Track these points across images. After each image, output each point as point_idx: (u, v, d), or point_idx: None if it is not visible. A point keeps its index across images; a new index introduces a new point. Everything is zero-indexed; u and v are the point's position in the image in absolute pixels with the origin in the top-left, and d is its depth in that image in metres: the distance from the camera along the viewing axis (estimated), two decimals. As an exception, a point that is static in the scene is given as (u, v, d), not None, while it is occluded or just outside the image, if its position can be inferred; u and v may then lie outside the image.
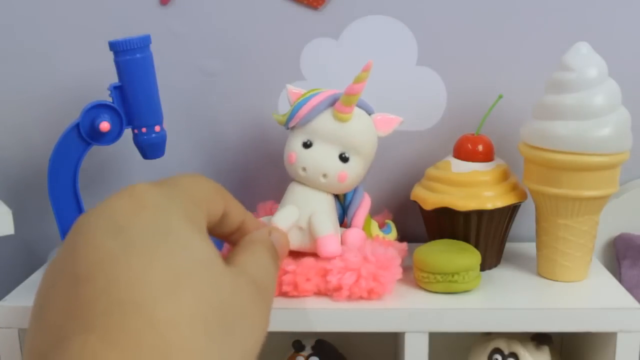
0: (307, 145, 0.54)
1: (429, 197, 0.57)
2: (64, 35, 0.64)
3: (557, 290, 0.55)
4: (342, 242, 0.54)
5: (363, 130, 0.54)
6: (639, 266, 0.63)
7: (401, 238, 0.59)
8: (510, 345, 0.56)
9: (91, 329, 0.23)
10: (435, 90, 0.65)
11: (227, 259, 0.33)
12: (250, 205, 0.64)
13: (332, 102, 0.53)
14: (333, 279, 0.51)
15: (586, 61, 0.52)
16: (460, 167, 0.58)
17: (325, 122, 0.53)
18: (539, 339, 0.56)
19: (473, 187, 0.56)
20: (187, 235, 0.28)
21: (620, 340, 0.51)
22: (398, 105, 0.63)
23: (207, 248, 0.28)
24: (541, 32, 0.63)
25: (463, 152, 0.59)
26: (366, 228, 0.56)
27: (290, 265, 0.52)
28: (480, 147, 0.58)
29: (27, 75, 0.65)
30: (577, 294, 0.54)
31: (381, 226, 0.59)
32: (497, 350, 0.56)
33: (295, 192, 0.54)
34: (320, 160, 0.53)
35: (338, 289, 0.51)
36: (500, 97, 0.59)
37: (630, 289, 0.57)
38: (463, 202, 0.56)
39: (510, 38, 0.63)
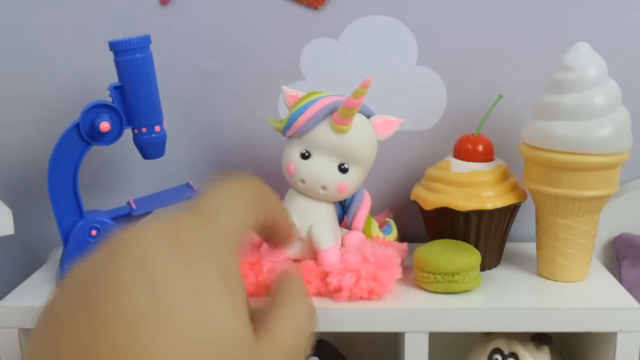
0: (305, 156, 0.53)
1: (429, 197, 0.57)
2: (64, 35, 0.64)
3: (557, 290, 0.55)
4: (342, 245, 0.54)
5: (362, 140, 0.53)
6: (639, 266, 0.63)
7: (401, 238, 0.59)
8: (510, 345, 0.56)
9: None
10: (435, 90, 0.65)
11: (258, 322, 0.29)
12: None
13: (330, 112, 0.52)
14: (333, 280, 0.51)
15: (586, 61, 0.52)
16: (460, 167, 0.58)
17: (323, 132, 0.52)
18: (539, 339, 0.56)
19: (473, 187, 0.56)
20: (218, 307, 0.24)
21: (620, 340, 0.51)
22: (398, 105, 0.63)
23: (234, 325, 0.25)
24: (541, 32, 0.63)
25: (463, 152, 0.59)
26: (367, 228, 0.56)
27: (292, 266, 0.52)
28: (480, 147, 0.58)
29: (27, 75, 0.65)
30: (577, 294, 0.54)
31: (381, 225, 0.59)
32: (497, 350, 0.56)
33: (295, 202, 0.54)
34: (319, 172, 0.53)
35: (338, 290, 0.51)
36: (500, 97, 0.59)
37: (630, 289, 0.57)
38: (463, 202, 0.56)
39: (510, 38, 0.63)
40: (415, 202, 0.60)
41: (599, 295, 0.54)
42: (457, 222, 0.57)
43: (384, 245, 0.55)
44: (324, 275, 0.52)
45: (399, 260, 0.53)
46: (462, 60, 0.64)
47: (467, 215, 0.56)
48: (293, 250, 0.53)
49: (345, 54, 0.64)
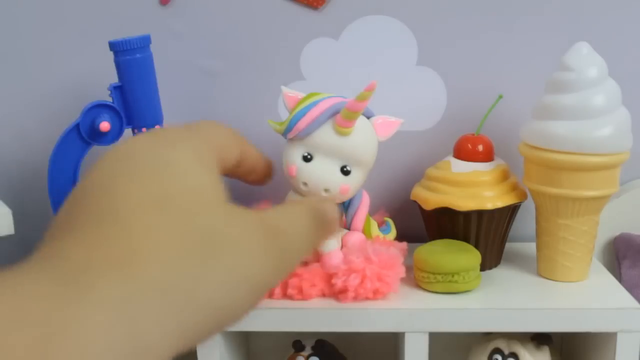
0: (307, 158, 0.53)
1: (429, 197, 0.57)
2: (64, 35, 0.64)
3: (557, 290, 0.55)
4: (343, 245, 0.54)
5: (364, 142, 0.52)
6: (639, 266, 0.63)
7: (401, 238, 0.59)
8: (510, 345, 0.56)
9: (70, 231, 0.25)
10: (435, 90, 0.65)
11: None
12: (249, 204, 0.64)
13: (333, 114, 0.51)
14: (338, 282, 0.51)
15: (586, 61, 0.52)
16: (460, 167, 0.58)
17: (325, 135, 0.52)
18: (539, 339, 0.56)
19: (473, 187, 0.56)
20: (188, 167, 0.29)
21: (620, 340, 0.51)
22: (398, 105, 0.63)
23: (206, 181, 0.29)
24: (541, 32, 0.63)
25: (463, 152, 0.59)
26: (366, 228, 0.56)
27: (297, 269, 0.52)
28: (480, 147, 0.58)
29: (27, 75, 0.65)
30: (577, 294, 0.54)
31: (380, 224, 0.59)
32: (497, 350, 0.56)
33: None
34: (321, 175, 0.53)
35: (344, 291, 0.51)
36: (500, 97, 0.59)
37: (630, 289, 0.57)
38: (463, 202, 0.56)
39: (510, 38, 0.63)
40: (415, 202, 0.60)
41: (599, 295, 0.54)
42: (457, 222, 0.57)
43: (385, 245, 0.55)
44: (329, 277, 0.52)
45: (402, 259, 0.53)
46: (462, 60, 0.64)
47: (467, 215, 0.56)
48: None
49: (345, 54, 0.64)
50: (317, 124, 0.51)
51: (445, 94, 0.65)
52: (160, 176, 0.28)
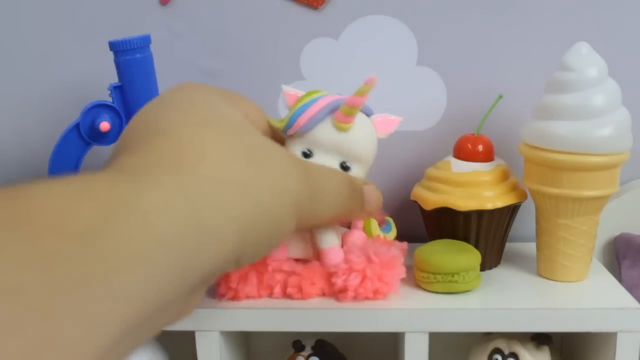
0: (307, 155, 0.53)
1: (429, 197, 0.57)
2: (64, 35, 0.64)
3: (557, 290, 0.55)
4: (343, 244, 0.54)
5: (364, 139, 0.52)
6: (639, 266, 0.63)
7: (401, 238, 0.59)
8: (510, 345, 0.56)
9: (124, 150, 0.29)
10: (435, 90, 0.65)
11: None
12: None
13: (332, 110, 0.51)
14: (338, 281, 0.51)
15: (586, 61, 0.52)
16: (461, 167, 0.58)
17: (325, 131, 0.51)
18: (539, 339, 0.56)
19: (473, 187, 0.56)
20: (221, 104, 0.33)
21: (620, 340, 0.51)
22: (398, 105, 0.63)
23: (239, 116, 0.32)
24: (541, 32, 0.63)
25: (463, 152, 0.59)
26: (366, 227, 0.56)
27: (297, 267, 0.52)
28: (480, 147, 0.58)
29: (27, 75, 0.65)
30: (577, 294, 0.54)
31: (380, 224, 0.59)
32: (497, 350, 0.56)
33: None
34: None
35: (344, 290, 0.51)
36: (500, 97, 0.59)
37: (630, 289, 0.57)
38: (463, 202, 0.56)
39: (510, 38, 0.63)
40: (415, 202, 0.60)
41: (599, 295, 0.54)
42: (457, 222, 0.57)
43: (386, 244, 0.55)
44: (329, 276, 0.52)
45: (402, 259, 0.53)
46: (462, 60, 0.64)
47: (467, 215, 0.56)
48: (296, 250, 0.53)
49: (345, 54, 0.64)
50: (316, 120, 0.51)
51: (445, 94, 0.65)
52: (200, 107, 0.31)
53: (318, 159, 0.52)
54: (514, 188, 0.58)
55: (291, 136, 0.53)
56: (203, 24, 0.64)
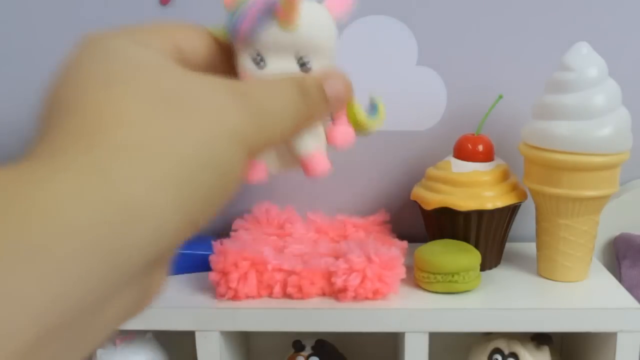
0: (258, 61, 0.45)
1: (430, 197, 0.57)
2: (64, 35, 0.64)
3: (557, 290, 0.55)
4: (331, 141, 0.47)
5: (316, 27, 0.43)
6: (639, 266, 0.63)
7: (401, 238, 0.59)
8: (510, 345, 0.56)
9: (38, 136, 0.27)
10: (435, 90, 0.65)
11: None
12: (248, 204, 0.64)
13: (272, 5, 0.45)
14: (338, 281, 0.51)
15: (586, 61, 0.52)
16: (461, 167, 0.58)
17: (270, 32, 0.41)
18: (539, 339, 0.56)
19: (473, 187, 0.56)
20: (132, 51, 0.29)
21: (620, 340, 0.51)
22: (398, 105, 0.63)
23: (149, 55, 0.29)
24: (541, 32, 0.63)
25: (463, 152, 0.59)
26: (350, 116, 0.49)
27: (297, 267, 0.52)
28: (480, 147, 0.58)
29: (27, 75, 0.65)
30: (577, 294, 0.54)
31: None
32: (497, 350, 0.56)
33: None
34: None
35: (343, 290, 0.51)
36: (500, 97, 0.59)
37: (630, 289, 0.57)
38: (463, 202, 0.56)
39: (510, 38, 0.63)
40: (415, 202, 0.60)
41: (599, 295, 0.54)
42: (457, 222, 0.57)
43: (387, 244, 0.55)
44: (329, 276, 0.52)
45: (402, 260, 0.53)
46: (462, 60, 0.64)
47: (467, 215, 0.56)
48: (272, 165, 0.47)
49: (345, 54, 0.64)
50: (257, 23, 0.43)
51: (445, 94, 0.65)
52: (103, 64, 0.28)
53: (271, 63, 0.44)
54: (514, 188, 0.58)
55: (238, 49, 0.46)
56: (203, 24, 0.64)
